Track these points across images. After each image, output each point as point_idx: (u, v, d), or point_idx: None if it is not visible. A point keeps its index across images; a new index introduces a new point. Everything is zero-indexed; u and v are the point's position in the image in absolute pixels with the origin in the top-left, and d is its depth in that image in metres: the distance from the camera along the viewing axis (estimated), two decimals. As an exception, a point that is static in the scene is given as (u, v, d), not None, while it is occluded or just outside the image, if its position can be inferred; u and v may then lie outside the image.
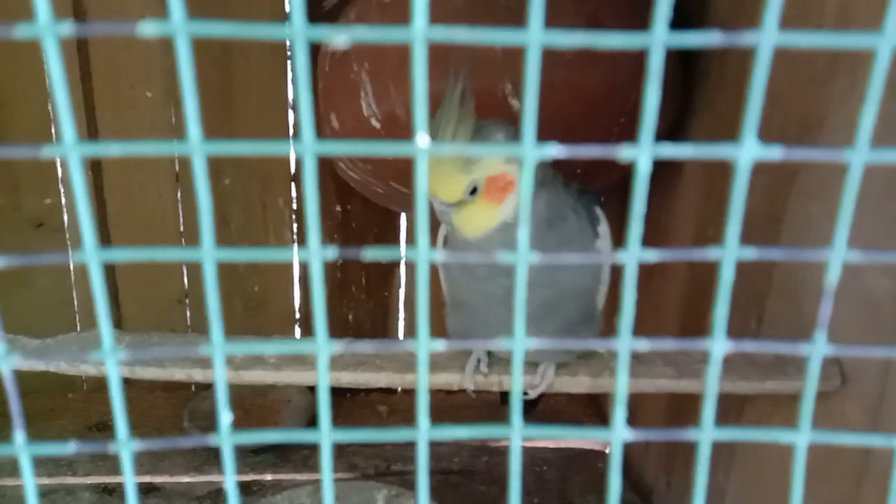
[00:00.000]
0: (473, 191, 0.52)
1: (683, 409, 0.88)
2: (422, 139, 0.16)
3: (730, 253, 0.17)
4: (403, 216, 1.21)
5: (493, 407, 1.28)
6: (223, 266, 1.23)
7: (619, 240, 1.18)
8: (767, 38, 0.15)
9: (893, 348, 0.18)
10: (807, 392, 0.18)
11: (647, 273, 0.98)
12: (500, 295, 0.55)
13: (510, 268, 0.53)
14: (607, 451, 1.15)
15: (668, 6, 0.15)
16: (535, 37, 0.15)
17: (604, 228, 0.59)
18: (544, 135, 0.54)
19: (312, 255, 0.16)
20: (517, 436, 0.18)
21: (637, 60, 0.74)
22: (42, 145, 0.15)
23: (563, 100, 0.73)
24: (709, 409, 0.18)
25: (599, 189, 0.87)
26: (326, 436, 0.17)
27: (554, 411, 1.26)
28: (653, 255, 0.17)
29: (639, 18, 0.76)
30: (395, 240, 1.22)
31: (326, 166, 1.08)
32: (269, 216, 1.20)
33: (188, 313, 1.24)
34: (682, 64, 0.84)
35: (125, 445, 0.17)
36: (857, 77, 0.56)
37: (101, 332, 0.16)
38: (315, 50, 0.91)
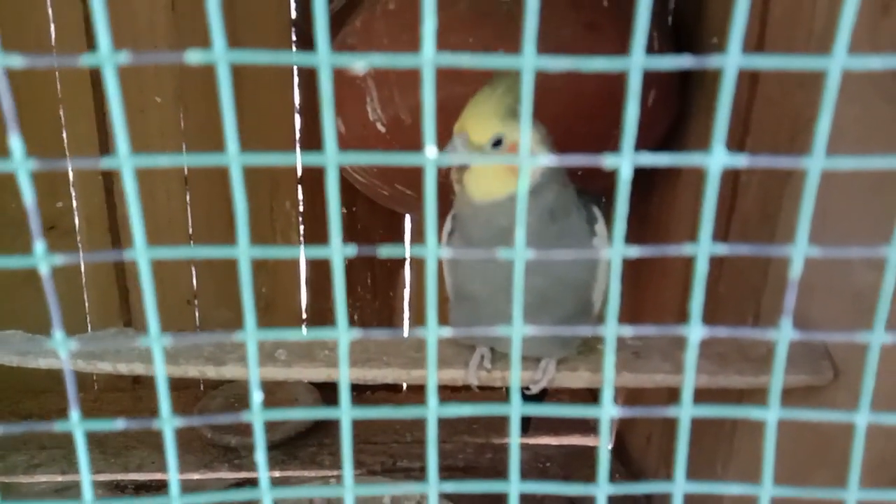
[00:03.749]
0: (497, 143, 0.54)
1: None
2: (430, 150, 0.18)
3: (703, 249, 0.19)
4: (408, 218, 1.23)
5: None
6: (231, 267, 1.24)
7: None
8: (732, 61, 0.17)
9: (855, 333, 0.20)
10: (775, 372, 0.20)
11: (648, 270, 1.00)
12: (501, 283, 0.57)
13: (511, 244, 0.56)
14: (609, 447, 1.17)
15: (644, 33, 0.17)
16: (529, 61, 0.17)
17: (601, 227, 0.61)
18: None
19: (334, 251, 0.18)
20: (516, 413, 0.21)
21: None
22: (99, 157, 0.17)
23: (562, 107, 0.75)
24: (688, 389, 0.20)
25: (600, 191, 0.89)
26: (346, 413, 0.20)
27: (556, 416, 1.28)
28: (634, 251, 0.19)
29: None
30: (400, 241, 1.25)
31: (332, 169, 1.11)
32: (276, 218, 1.22)
33: (197, 314, 1.27)
34: (682, 72, 0.87)
35: (168, 422, 0.19)
36: (843, 82, 0.58)
37: (148, 322, 0.18)
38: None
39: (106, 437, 1.15)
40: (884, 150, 0.53)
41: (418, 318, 1.31)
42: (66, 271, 1.21)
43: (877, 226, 0.55)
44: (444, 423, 1.23)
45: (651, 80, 0.80)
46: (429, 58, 0.17)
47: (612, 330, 0.20)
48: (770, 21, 0.70)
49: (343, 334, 0.19)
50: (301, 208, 1.22)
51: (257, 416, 0.19)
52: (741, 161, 0.18)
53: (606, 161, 0.18)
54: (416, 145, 0.80)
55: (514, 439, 0.21)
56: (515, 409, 0.20)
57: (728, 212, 0.79)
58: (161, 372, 0.19)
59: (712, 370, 0.62)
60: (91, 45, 1.10)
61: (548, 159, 0.19)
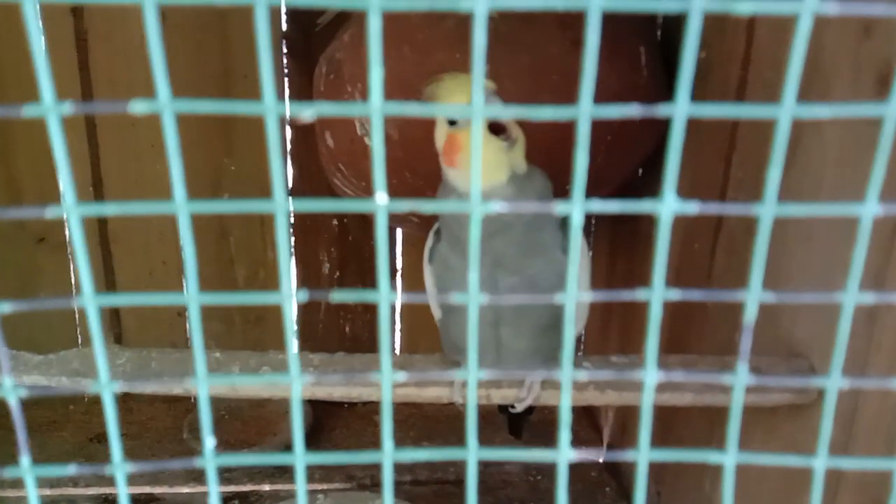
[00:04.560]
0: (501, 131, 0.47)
1: (672, 419, 0.90)
2: (381, 197, 0.18)
3: (657, 295, 0.19)
4: (399, 230, 1.23)
5: (489, 417, 1.30)
6: (223, 280, 1.25)
7: (613, 262, 1.19)
8: (681, 110, 0.17)
9: (810, 378, 0.20)
10: (732, 417, 0.20)
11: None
12: (485, 280, 0.56)
13: (499, 234, 0.54)
14: (600, 460, 1.16)
15: (592, 81, 0.17)
16: (478, 110, 0.17)
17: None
18: (536, 154, 0.56)
19: (284, 298, 0.18)
20: (473, 457, 0.21)
21: (621, 81, 0.77)
22: (46, 206, 0.17)
23: (550, 122, 0.75)
24: (645, 432, 0.20)
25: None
26: (300, 458, 0.19)
27: (549, 423, 1.28)
28: (587, 296, 0.19)
29: (623, 39, 0.78)
30: (391, 253, 1.25)
31: (323, 182, 1.11)
32: (267, 230, 1.22)
33: (187, 327, 1.26)
34: (670, 87, 0.87)
35: (119, 467, 0.19)
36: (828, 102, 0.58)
37: (98, 371, 0.18)
38: (311, 69, 0.94)
39: (96, 451, 1.15)
40: (862, 172, 0.53)
41: (410, 330, 1.31)
42: (58, 284, 1.21)
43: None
44: (434, 436, 1.23)
45: (641, 92, 0.80)
46: (376, 106, 0.17)
47: (567, 373, 0.20)
48: (755, 40, 0.70)
49: (295, 381, 0.19)
50: (292, 219, 1.22)
51: (210, 462, 0.19)
52: (691, 208, 0.18)
53: (559, 208, 0.18)
54: (403, 160, 0.80)
55: (472, 479, 0.21)
56: (472, 454, 0.20)
57: (716, 227, 0.79)
58: (112, 418, 0.18)
59: (698, 389, 0.62)
60: (82, 60, 1.10)
61: (499, 205, 0.19)
